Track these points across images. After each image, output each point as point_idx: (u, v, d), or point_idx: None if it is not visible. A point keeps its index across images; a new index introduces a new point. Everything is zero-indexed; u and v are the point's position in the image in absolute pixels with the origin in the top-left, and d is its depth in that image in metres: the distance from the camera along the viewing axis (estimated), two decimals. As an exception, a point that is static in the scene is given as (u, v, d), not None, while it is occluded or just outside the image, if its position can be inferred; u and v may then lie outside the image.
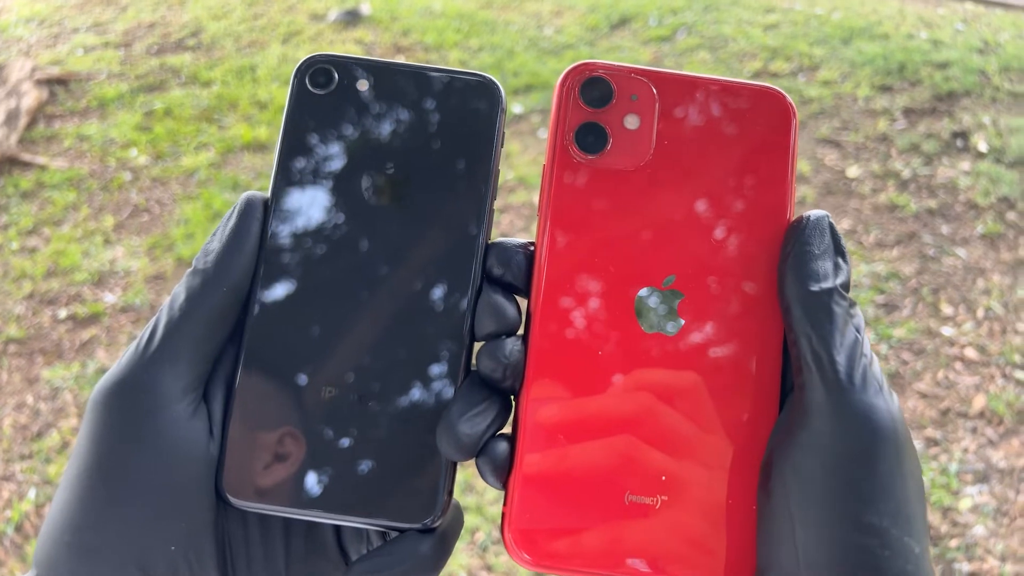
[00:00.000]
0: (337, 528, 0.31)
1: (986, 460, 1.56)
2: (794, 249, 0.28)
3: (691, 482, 0.28)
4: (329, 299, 0.29)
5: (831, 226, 0.29)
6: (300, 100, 0.31)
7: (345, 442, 0.28)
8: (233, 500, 0.28)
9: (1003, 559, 1.39)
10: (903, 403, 1.69)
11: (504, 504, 0.28)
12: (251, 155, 2.71)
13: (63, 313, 2.06)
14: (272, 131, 2.81)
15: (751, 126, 0.31)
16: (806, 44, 3.08)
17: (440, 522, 0.29)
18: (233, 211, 0.30)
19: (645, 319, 0.29)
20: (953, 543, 1.42)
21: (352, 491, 0.28)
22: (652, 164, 0.30)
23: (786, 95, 0.31)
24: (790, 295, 0.28)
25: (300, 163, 0.30)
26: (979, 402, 1.68)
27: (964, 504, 1.48)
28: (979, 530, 1.43)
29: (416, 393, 0.29)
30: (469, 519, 1.46)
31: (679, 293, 0.29)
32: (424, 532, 0.28)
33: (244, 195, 0.30)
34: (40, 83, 3.12)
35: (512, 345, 0.28)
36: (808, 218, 0.29)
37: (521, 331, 0.30)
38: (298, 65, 0.31)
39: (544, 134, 2.73)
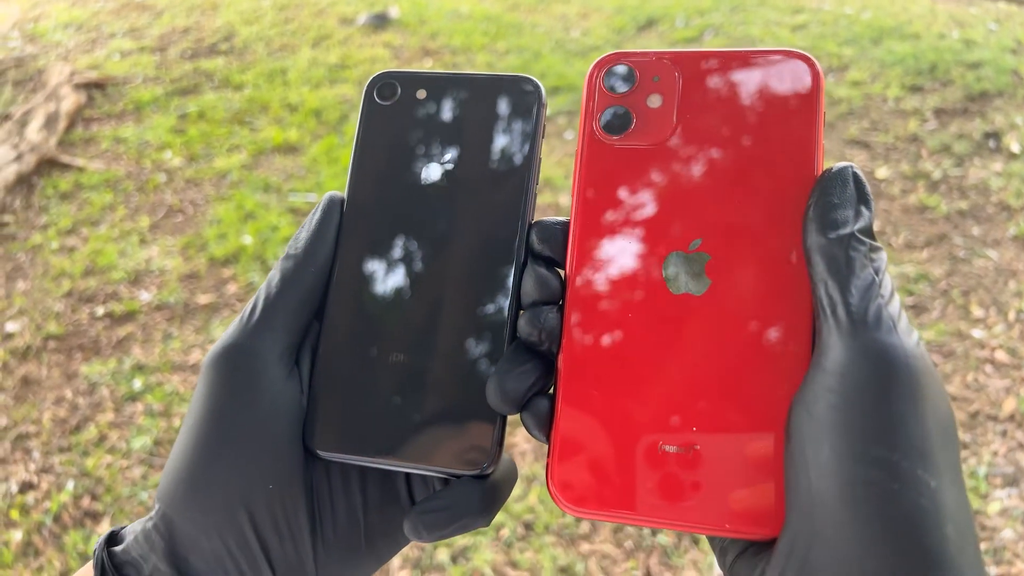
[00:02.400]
0: (407, 479, 0.34)
1: (1016, 464, 1.54)
2: (815, 200, 0.29)
3: (721, 432, 0.29)
4: (396, 277, 0.34)
5: (855, 176, 0.29)
6: (369, 110, 0.36)
7: (410, 399, 0.33)
8: (319, 452, 0.32)
9: (1033, 563, 1.38)
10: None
11: (548, 456, 0.31)
12: (282, 157, 2.76)
13: (100, 311, 2.12)
14: (302, 133, 2.86)
15: (775, 90, 0.31)
16: (835, 44, 3.06)
17: (492, 470, 0.32)
18: (318, 207, 0.35)
19: (673, 281, 0.31)
20: (982, 547, 1.40)
21: (417, 442, 0.32)
22: (676, 138, 0.32)
23: (811, 57, 0.32)
24: (810, 244, 0.29)
25: (372, 163, 0.35)
26: (1009, 405, 1.66)
27: (993, 508, 1.46)
28: (1008, 534, 1.41)
29: (470, 356, 0.33)
30: (496, 517, 1.48)
31: (705, 255, 0.31)
32: (478, 479, 0.32)
33: (327, 195, 0.35)
34: (78, 87, 3.21)
35: (548, 312, 0.31)
36: (831, 169, 0.30)
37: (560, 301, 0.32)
38: (368, 81, 0.37)
39: (570, 135, 2.75)
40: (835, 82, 2.83)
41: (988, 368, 1.75)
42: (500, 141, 0.35)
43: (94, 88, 3.27)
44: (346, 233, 0.34)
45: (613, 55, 0.33)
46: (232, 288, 2.16)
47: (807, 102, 0.31)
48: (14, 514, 1.60)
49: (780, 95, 0.31)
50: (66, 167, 2.76)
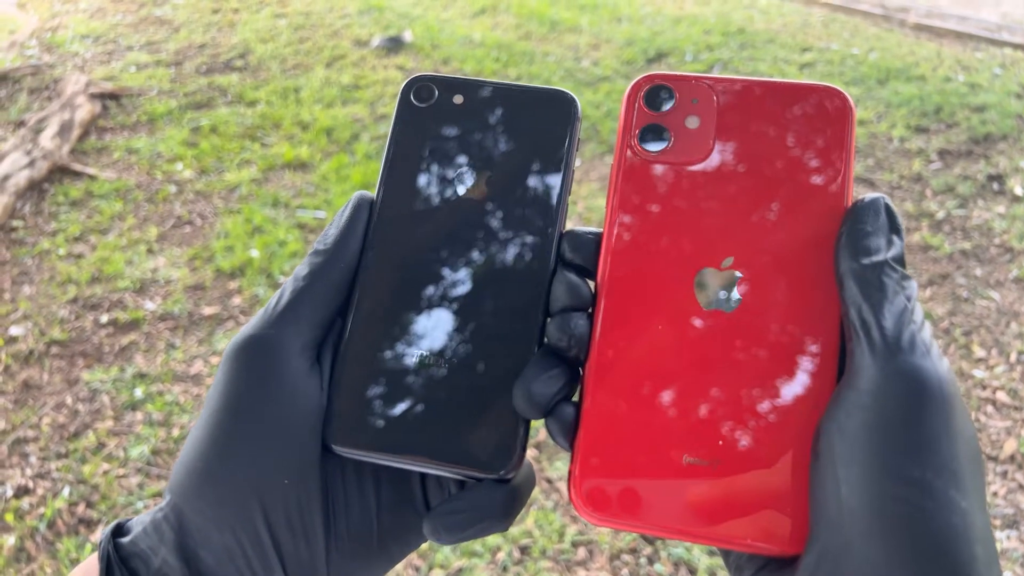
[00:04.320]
0: (422, 481, 0.34)
1: (1016, 506, 1.54)
2: (848, 228, 0.30)
3: (746, 446, 0.30)
4: (425, 278, 0.34)
5: (887, 206, 0.30)
6: (405, 112, 0.36)
7: (434, 400, 0.32)
8: (338, 448, 0.32)
9: (1031, 607, 1.37)
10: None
11: (571, 463, 0.31)
12: (292, 173, 2.78)
13: (105, 318, 2.13)
14: (313, 150, 2.88)
15: (809, 121, 0.33)
16: (841, 83, 3.10)
17: (513, 475, 0.32)
18: (348, 205, 0.35)
19: (704, 297, 0.31)
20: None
21: (438, 442, 0.32)
22: (712, 158, 0.33)
23: (844, 91, 0.33)
24: (843, 270, 0.29)
25: (404, 163, 0.35)
26: (1010, 446, 1.66)
27: (992, 548, 1.46)
28: (1007, 576, 1.41)
29: (497, 359, 0.33)
30: (491, 538, 1.48)
31: (737, 273, 0.32)
32: (499, 483, 0.32)
33: (357, 193, 0.35)
34: (94, 97, 3.24)
35: (577, 319, 0.31)
36: (863, 199, 0.31)
37: (589, 309, 0.33)
38: (405, 82, 0.37)
39: (578, 162, 2.77)
40: (841, 120, 2.86)
41: (989, 408, 1.75)
42: (535, 152, 0.35)
43: (109, 99, 3.31)
44: (377, 231, 0.34)
45: (654, 75, 0.34)
46: (237, 300, 2.17)
47: (839, 133, 0.32)
48: (8, 518, 1.59)
49: (813, 125, 0.32)
50: (78, 175, 2.79)
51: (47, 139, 2.87)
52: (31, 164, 2.73)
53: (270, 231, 2.43)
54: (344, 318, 0.34)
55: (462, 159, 0.35)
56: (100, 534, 0.33)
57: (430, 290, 0.33)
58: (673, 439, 0.30)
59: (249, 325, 0.32)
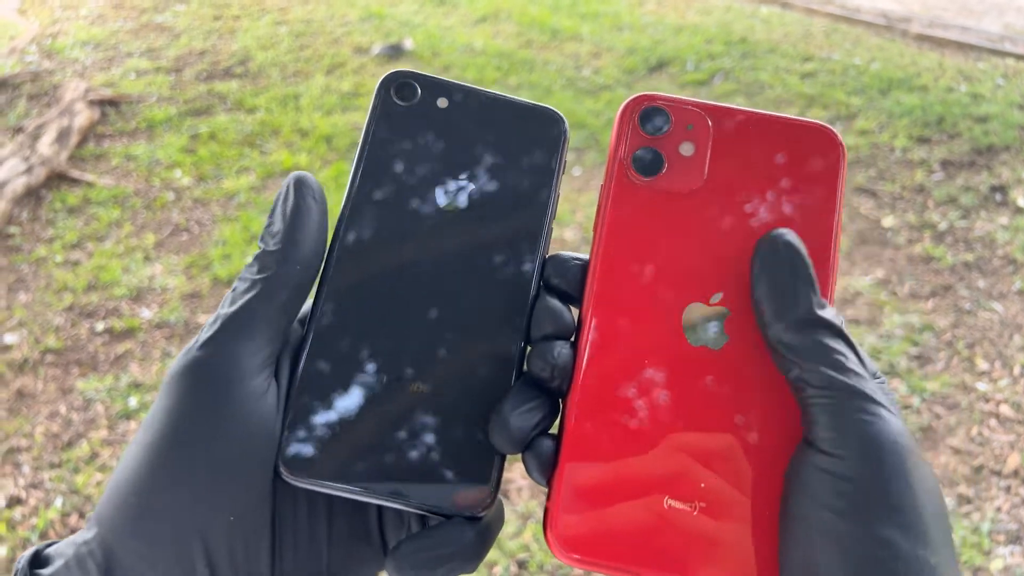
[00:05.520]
0: (380, 514, 0.32)
1: (1019, 520, 1.52)
2: (763, 290, 0.29)
3: (728, 491, 0.29)
4: (395, 294, 0.31)
5: (789, 249, 0.29)
6: (385, 109, 0.33)
7: (402, 429, 0.30)
8: (290, 478, 0.29)
9: (1037, 625, 1.34)
10: (935, 459, 1.65)
11: (547, 499, 0.29)
12: (290, 181, 2.77)
13: (100, 326, 2.11)
14: (312, 158, 2.87)
15: (802, 158, 0.32)
16: (843, 93, 3.09)
17: (486, 513, 0.30)
18: (287, 190, 0.30)
19: (692, 333, 0.30)
20: (984, 606, 1.37)
21: (405, 476, 0.29)
22: (705, 189, 0.32)
23: (836, 131, 0.32)
24: (769, 336, 0.29)
25: (380, 167, 0.32)
26: (1014, 461, 1.64)
27: (996, 565, 1.43)
28: (1012, 593, 1.38)
29: (472, 388, 0.30)
30: (489, 554, 1.46)
31: (726, 310, 0.31)
32: (469, 521, 0.30)
33: (293, 174, 0.31)
34: (92, 103, 3.24)
35: (561, 348, 0.29)
36: (767, 247, 0.30)
37: (572, 338, 0.31)
38: (385, 77, 0.34)
39: (578, 172, 2.76)
40: (843, 130, 2.85)
41: (992, 422, 1.73)
42: (522, 171, 0.33)
43: (108, 105, 3.30)
44: (346, 238, 0.31)
45: (649, 96, 0.33)
46: (234, 309, 2.16)
47: (830, 173, 0.32)
48: (0, 528, 1.57)
49: (806, 163, 0.32)
50: (75, 182, 2.78)
51: (45, 145, 2.86)
52: (29, 170, 2.72)
53: (268, 239, 2.42)
54: (306, 328, 0.30)
55: (445, 171, 0.33)
56: (17, 559, 0.30)
57: (404, 309, 0.31)
58: (654, 481, 0.29)
59: (199, 340, 0.29)
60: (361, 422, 0.30)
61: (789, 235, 0.29)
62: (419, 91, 0.33)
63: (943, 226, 2.33)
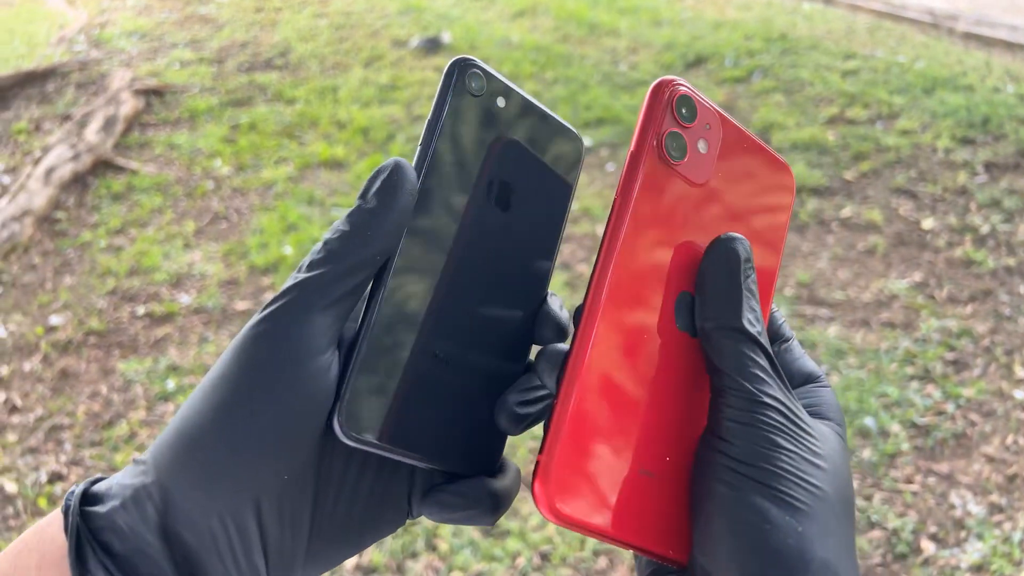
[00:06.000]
0: (411, 479, 0.34)
1: (1055, 532, 1.49)
2: (697, 286, 0.33)
3: (682, 463, 0.32)
4: (439, 283, 0.34)
5: (730, 257, 0.33)
6: (458, 97, 0.34)
7: (438, 401, 0.34)
8: (343, 434, 0.31)
9: (1068, 639, 1.32)
10: (968, 467, 1.63)
11: (541, 453, 0.31)
12: (327, 172, 2.81)
13: (141, 310, 2.17)
14: (349, 150, 2.91)
15: (770, 184, 0.37)
16: (886, 92, 3.03)
17: (498, 474, 0.35)
18: (388, 166, 0.32)
19: (681, 318, 0.33)
20: (1014, 616, 1.35)
21: (437, 440, 0.33)
22: (707, 188, 0.35)
23: (792, 172, 0.38)
24: (697, 327, 0.33)
25: (449, 155, 0.34)
26: (1050, 471, 1.61)
27: (1028, 577, 1.41)
28: (1043, 605, 1.36)
29: (494, 372, 0.35)
30: (512, 544, 1.47)
31: None
32: (488, 478, 0.34)
33: (397, 162, 0.32)
34: (138, 93, 3.31)
35: (557, 350, 0.33)
36: (714, 247, 0.33)
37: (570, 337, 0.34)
38: (458, 61, 0.35)
39: (612, 167, 2.76)
40: (884, 130, 2.80)
41: (1030, 431, 1.70)
42: (550, 180, 0.36)
43: (153, 95, 3.38)
44: (416, 219, 0.33)
45: (681, 82, 0.34)
46: (270, 296, 2.20)
47: (786, 202, 0.37)
48: (42, 502, 1.63)
49: (772, 189, 0.37)
50: (120, 169, 2.85)
51: (92, 133, 2.94)
52: (75, 157, 2.80)
53: (304, 229, 2.46)
54: (371, 299, 0.32)
55: (495, 167, 0.35)
56: (66, 495, 0.31)
57: (454, 294, 0.34)
58: (635, 451, 0.32)
59: (282, 303, 0.30)
60: (408, 392, 0.33)
61: (738, 243, 0.33)
62: (485, 85, 0.35)
63: (985, 229, 2.28)
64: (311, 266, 0.31)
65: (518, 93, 0.35)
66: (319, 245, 0.31)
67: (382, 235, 0.31)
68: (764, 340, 0.32)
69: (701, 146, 0.34)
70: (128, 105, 3.18)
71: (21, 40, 4.26)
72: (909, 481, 1.60)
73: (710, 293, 0.32)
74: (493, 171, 0.35)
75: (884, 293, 2.09)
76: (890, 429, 1.70)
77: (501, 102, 0.35)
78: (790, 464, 0.29)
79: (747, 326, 0.31)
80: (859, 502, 1.55)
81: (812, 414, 0.33)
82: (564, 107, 3.15)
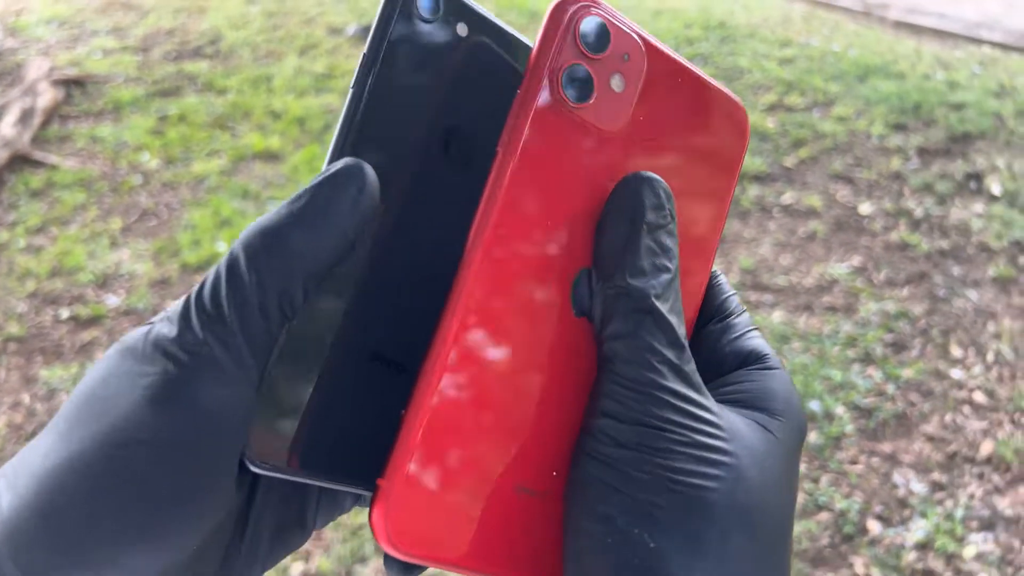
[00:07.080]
0: (318, 499, 0.29)
1: (992, 508, 1.53)
2: (596, 239, 0.27)
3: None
4: (373, 270, 0.27)
5: (634, 210, 0.26)
6: (401, 23, 0.27)
7: (358, 418, 0.27)
8: (254, 466, 0.25)
9: (1008, 611, 1.36)
10: (909, 446, 1.66)
11: (381, 475, 0.25)
12: (262, 164, 2.71)
13: (65, 313, 2.05)
14: (284, 141, 2.81)
15: (715, 125, 0.30)
16: (821, 80, 3.09)
17: None
18: (337, 176, 0.25)
19: (578, 303, 0.26)
20: (957, 592, 1.38)
21: (365, 461, 0.26)
22: (624, 133, 0.27)
23: (745, 108, 0.30)
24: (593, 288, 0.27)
25: (387, 104, 0.27)
26: (987, 448, 1.65)
27: (969, 552, 1.44)
28: (984, 580, 1.40)
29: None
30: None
31: None
32: None
33: (350, 163, 0.25)
34: (57, 83, 3.14)
35: None
36: (616, 193, 0.27)
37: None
38: None
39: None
40: (820, 117, 2.85)
41: (966, 409, 1.74)
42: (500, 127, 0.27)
43: (73, 85, 3.21)
44: None
45: (594, 3, 0.27)
46: (203, 296, 2.11)
47: (737, 146, 0.30)
48: (-41, 524, 1.52)
49: (718, 131, 0.30)
50: (39, 164, 2.70)
51: (7, 126, 2.78)
52: (-10, 152, 2.64)
53: (239, 224, 2.36)
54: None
55: (453, 114, 0.27)
56: None
57: (390, 282, 0.27)
58: (510, 468, 0.25)
59: (165, 333, 0.23)
60: (328, 411, 0.27)
61: (647, 184, 0.26)
62: (440, 7, 0.27)
63: (919, 213, 2.34)
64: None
65: (485, 16, 0.28)
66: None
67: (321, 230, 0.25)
68: (663, 307, 0.25)
69: (615, 83, 0.27)
70: (46, 96, 3.01)
71: (-73, 28, 4.00)
72: (854, 462, 1.63)
73: (604, 246, 0.26)
74: (450, 120, 0.27)
75: (825, 278, 2.13)
76: (835, 412, 1.73)
77: (463, 29, 0.28)
78: (660, 465, 0.24)
79: (639, 286, 0.25)
80: (807, 485, 1.57)
81: (740, 403, 0.27)
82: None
